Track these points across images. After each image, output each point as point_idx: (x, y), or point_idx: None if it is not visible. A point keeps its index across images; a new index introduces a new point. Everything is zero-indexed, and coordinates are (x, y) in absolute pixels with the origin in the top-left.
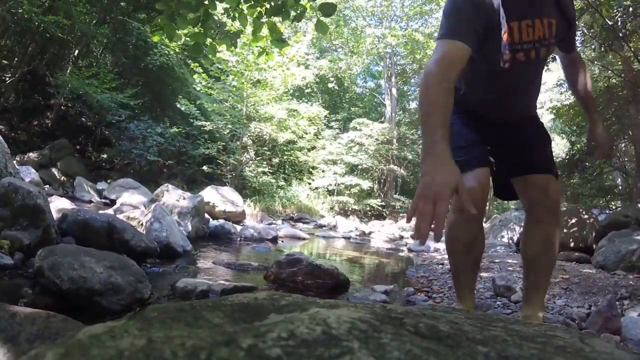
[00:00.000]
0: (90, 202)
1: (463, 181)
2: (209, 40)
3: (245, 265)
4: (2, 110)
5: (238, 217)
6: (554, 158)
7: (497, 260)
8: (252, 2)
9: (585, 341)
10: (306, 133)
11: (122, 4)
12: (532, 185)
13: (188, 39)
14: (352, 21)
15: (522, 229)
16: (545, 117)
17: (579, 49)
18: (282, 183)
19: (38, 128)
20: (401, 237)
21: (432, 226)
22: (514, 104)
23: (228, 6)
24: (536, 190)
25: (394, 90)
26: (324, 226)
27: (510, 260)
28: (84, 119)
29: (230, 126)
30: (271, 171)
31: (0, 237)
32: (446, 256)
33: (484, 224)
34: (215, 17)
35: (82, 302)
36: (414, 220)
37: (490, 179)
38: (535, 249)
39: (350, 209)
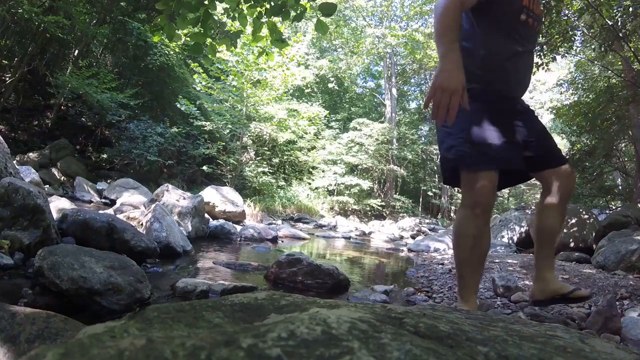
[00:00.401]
0: (90, 202)
1: (478, 177)
2: (209, 40)
3: (245, 265)
4: (2, 110)
5: (238, 217)
6: None
7: (497, 260)
8: (252, 2)
9: (585, 341)
10: (306, 133)
11: (122, 4)
12: (562, 175)
13: (188, 39)
14: (352, 21)
15: (538, 207)
16: (545, 117)
17: (578, 49)
18: (282, 183)
19: (38, 128)
20: (401, 237)
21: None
22: (520, 69)
23: (228, 6)
24: (565, 178)
25: (394, 90)
26: (324, 226)
27: (510, 260)
28: (84, 119)
29: (230, 126)
30: (271, 171)
31: (0, 237)
32: (446, 256)
33: None
34: (215, 17)
35: (82, 302)
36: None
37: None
38: (557, 224)
39: (350, 209)
